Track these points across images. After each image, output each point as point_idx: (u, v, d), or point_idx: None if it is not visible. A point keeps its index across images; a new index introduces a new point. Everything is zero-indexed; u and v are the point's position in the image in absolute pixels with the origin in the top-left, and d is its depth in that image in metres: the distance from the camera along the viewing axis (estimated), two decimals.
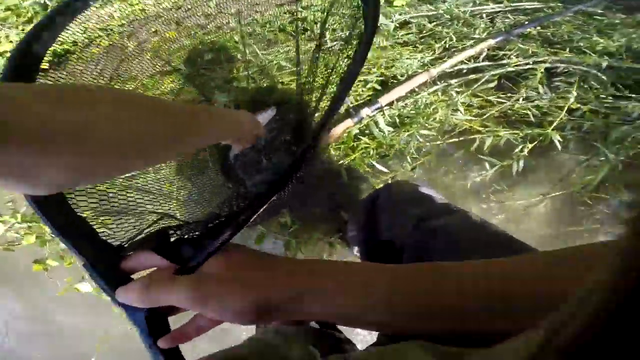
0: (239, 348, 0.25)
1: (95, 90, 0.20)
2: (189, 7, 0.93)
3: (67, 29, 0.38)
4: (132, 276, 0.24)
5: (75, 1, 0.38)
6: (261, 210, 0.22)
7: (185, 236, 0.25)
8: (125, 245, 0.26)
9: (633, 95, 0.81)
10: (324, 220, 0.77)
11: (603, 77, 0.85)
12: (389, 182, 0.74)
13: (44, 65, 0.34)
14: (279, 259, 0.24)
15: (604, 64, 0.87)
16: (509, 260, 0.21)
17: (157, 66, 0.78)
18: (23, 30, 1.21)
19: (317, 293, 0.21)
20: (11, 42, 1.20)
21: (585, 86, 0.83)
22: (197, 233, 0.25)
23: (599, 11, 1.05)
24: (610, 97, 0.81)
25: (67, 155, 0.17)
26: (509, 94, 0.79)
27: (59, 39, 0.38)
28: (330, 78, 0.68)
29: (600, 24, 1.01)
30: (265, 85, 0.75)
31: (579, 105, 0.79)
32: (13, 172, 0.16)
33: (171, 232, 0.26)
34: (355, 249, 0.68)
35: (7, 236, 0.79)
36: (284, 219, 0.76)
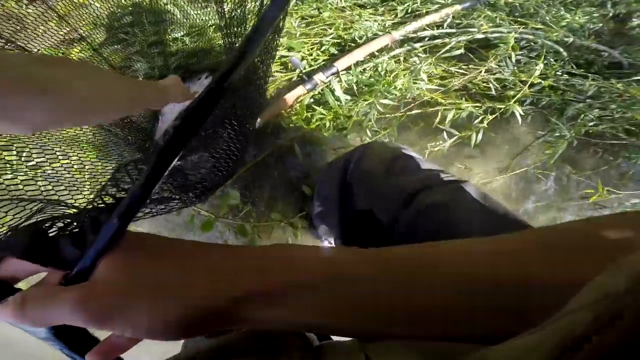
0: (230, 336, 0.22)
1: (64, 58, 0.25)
2: None
3: None
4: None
5: None
6: (159, 184, 0.16)
7: (67, 230, 0.18)
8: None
9: (589, 74, 0.81)
10: (281, 199, 0.71)
11: (564, 53, 0.84)
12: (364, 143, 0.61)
13: None
14: (205, 247, 0.17)
15: (568, 40, 0.87)
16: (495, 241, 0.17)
17: (62, 34, 0.64)
18: None
19: (268, 293, 0.16)
20: None
21: (545, 62, 0.82)
22: (80, 225, 0.18)
23: None
24: (567, 75, 0.81)
25: (47, 102, 0.20)
26: (470, 66, 0.75)
27: None
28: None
29: (565, 0, 1.00)
30: (198, 49, 0.65)
31: (539, 80, 0.77)
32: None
33: (47, 225, 0.18)
34: (322, 228, 0.58)
35: None
36: (234, 202, 0.68)
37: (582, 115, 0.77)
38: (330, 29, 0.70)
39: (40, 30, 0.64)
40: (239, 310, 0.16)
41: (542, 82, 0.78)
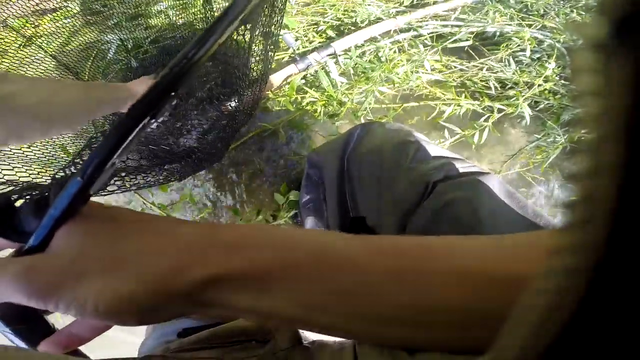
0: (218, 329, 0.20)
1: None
2: None
3: None
4: None
5: None
6: (118, 152, 0.14)
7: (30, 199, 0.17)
8: None
9: None
10: (260, 189, 0.67)
11: (567, 56, 0.82)
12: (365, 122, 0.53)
13: None
14: (176, 222, 0.16)
15: (574, 45, 0.84)
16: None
17: (33, 3, 0.58)
18: None
19: (242, 275, 0.14)
20: None
21: (552, 64, 0.79)
22: (45, 193, 0.16)
23: None
24: (566, 79, 0.80)
25: None
26: (472, 63, 0.72)
27: None
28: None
29: (577, 2, 0.97)
30: (180, 22, 0.60)
31: (541, 82, 0.75)
32: None
33: (14, 197, 0.18)
34: (310, 220, 0.51)
35: None
36: (210, 186, 0.65)
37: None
38: (331, 10, 0.66)
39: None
40: (207, 293, 0.13)
41: (544, 84, 0.76)
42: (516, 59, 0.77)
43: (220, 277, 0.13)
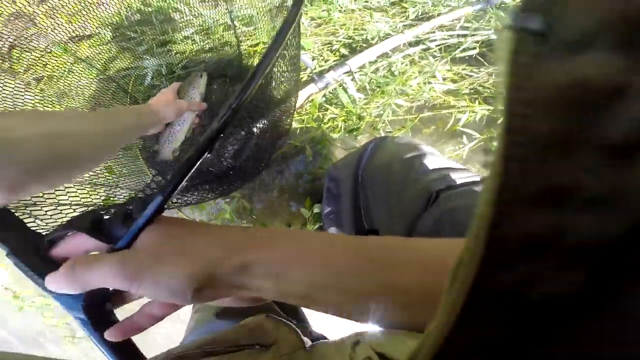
0: (227, 332, 0.25)
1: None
2: None
3: None
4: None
5: None
6: (186, 178, 0.20)
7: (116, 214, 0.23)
8: (55, 234, 0.23)
9: None
10: (288, 201, 0.68)
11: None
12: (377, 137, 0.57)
13: None
14: (223, 226, 0.21)
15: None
16: None
17: (72, 31, 0.64)
18: None
19: (265, 266, 0.18)
20: None
21: None
22: (129, 209, 0.22)
23: None
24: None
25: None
26: (481, 69, 0.73)
27: None
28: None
29: None
30: (207, 47, 0.64)
31: None
32: None
33: (102, 212, 0.24)
34: (332, 231, 0.55)
35: None
36: (244, 202, 0.66)
37: None
38: (342, 29, 0.69)
39: (50, 27, 0.63)
40: (242, 276, 0.18)
41: None
42: None
43: (251, 263, 0.18)
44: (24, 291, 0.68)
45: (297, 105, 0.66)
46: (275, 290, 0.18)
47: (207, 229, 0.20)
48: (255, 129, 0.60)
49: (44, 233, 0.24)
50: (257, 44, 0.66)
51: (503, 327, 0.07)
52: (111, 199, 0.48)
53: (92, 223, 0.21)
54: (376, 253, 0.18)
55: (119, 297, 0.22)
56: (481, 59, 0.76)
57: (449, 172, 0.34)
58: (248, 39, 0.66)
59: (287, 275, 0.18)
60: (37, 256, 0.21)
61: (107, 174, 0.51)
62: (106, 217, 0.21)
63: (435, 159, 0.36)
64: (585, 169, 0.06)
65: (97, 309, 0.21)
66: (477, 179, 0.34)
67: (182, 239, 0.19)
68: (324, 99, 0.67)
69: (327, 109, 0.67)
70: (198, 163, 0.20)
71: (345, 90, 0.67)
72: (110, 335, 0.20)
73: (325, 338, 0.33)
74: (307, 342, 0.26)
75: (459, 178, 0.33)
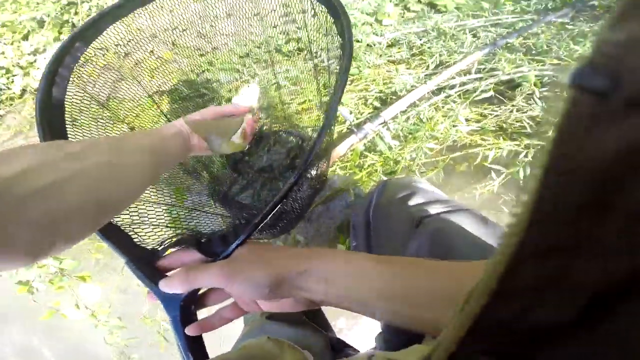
0: (229, 354, 0.29)
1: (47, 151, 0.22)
2: (184, 28, 0.91)
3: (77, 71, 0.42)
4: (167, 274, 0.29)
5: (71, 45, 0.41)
6: (267, 219, 0.27)
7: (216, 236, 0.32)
8: (159, 249, 0.33)
9: None
10: (333, 233, 0.74)
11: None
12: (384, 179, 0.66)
13: None
14: (290, 247, 0.29)
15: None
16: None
17: (154, 86, 0.75)
18: (19, 47, 1.17)
19: (318, 273, 0.25)
20: (6, 58, 1.15)
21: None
22: (225, 235, 0.31)
23: (568, 21, 1.12)
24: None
25: (38, 214, 0.18)
26: (502, 107, 0.80)
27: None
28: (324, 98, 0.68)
29: (572, 32, 1.07)
30: (265, 105, 0.73)
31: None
32: None
33: (201, 236, 0.34)
34: None
35: None
36: (296, 236, 0.72)
37: None
38: (372, 84, 0.78)
39: (136, 80, 0.73)
40: (300, 281, 0.25)
41: None
42: (540, 96, 0.85)
43: (308, 271, 0.25)
44: (101, 311, 0.73)
45: (341, 154, 0.73)
46: (324, 292, 0.24)
47: (280, 247, 0.29)
48: (307, 180, 0.67)
49: (150, 248, 0.32)
50: (303, 102, 0.75)
51: (502, 343, 0.08)
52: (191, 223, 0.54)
53: (197, 242, 0.30)
54: (398, 265, 0.24)
55: (202, 301, 0.30)
56: (501, 97, 0.83)
57: (433, 202, 0.41)
58: (296, 98, 0.75)
59: (334, 280, 0.24)
60: (149, 266, 0.29)
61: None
62: (204, 239, 0.30)
63: (425, 193, 0.43)
64: (615, 233, 0.06)
65: (187, 309, 0.28)
66: (457, 207, 0.40)
67: (263, 253, 0.27)
68: (363, 147, 0.75)
69: (366, 156, 0.74)
70: (277, 207, 0.28)
71: (381, 138, 0.74)
72: (190, 330, 0.27)
73: (348, 346, 0.39)
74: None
75: (441, 206, 0.40)
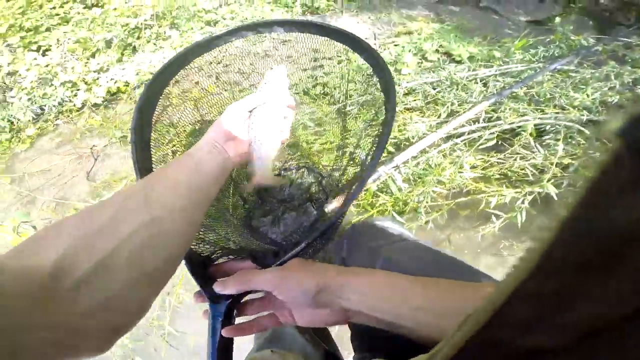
0: None
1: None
2: (228, 63, 1.00)
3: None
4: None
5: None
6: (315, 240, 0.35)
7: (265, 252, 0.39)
8: (213, 257, 0.38)
9: None
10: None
11: (586, 131, 0.94)
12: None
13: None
14: (331, 264, 0.33)
15: (584, 119, 0.97)
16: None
17: (197, 115, 0.82)
18: (86, 64, 1.28)
19: (358, 284, 0.29)
20: (74, 72, 1.25)
21: (573, 142, 0.91)
22: (277, 250, 0.38)
23: (573, 68, 1.19)
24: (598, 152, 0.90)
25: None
26: (506, 155, 0.87)
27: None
28: (349, 140, 0.75)
29: (574, 80, 1.13)
30: (290, 144, 0.82)
31: (570, 161, 0.88)
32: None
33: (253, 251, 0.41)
34: None
35: None
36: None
37: None
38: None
39: (182, 107, 0.81)
40: (339, 291, 0.29)
41: (573, 162, 0.86)
42: (543, 143, 0.91)
43: (346, 283, 0.29)
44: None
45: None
46: (361, 301, 0.28)
47: (323, 264, 0.32)
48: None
49: (204, 255, 0.36)
50: (325, 142, 0.83)
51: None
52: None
53: (251, 254, 0.35)
54: (425, 280, 0.28)
55: (242, 309, 0.34)
56: (506, 145, 0.90)
57: (390, 234, 0.49)
58: (319, 138, 0.83)
59: (372, 291, 0.28)
60: (202, 270, 0.34)
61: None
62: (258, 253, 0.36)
63: (386, 230, 0.51)
64: (619, 285, 0.06)
65: (229, 312, 0.32)
66: (410, 238, 0.48)
67: (311, 266, 0.31)
68: (376, 188, 0.83)
69: (379, 196, 0.82)
70: (323, 229, 0.35)
71: (393, 181, 0.82)
72: (227, 331, 0.31)
73: None
74: None
75: (397, 238, 0.48)
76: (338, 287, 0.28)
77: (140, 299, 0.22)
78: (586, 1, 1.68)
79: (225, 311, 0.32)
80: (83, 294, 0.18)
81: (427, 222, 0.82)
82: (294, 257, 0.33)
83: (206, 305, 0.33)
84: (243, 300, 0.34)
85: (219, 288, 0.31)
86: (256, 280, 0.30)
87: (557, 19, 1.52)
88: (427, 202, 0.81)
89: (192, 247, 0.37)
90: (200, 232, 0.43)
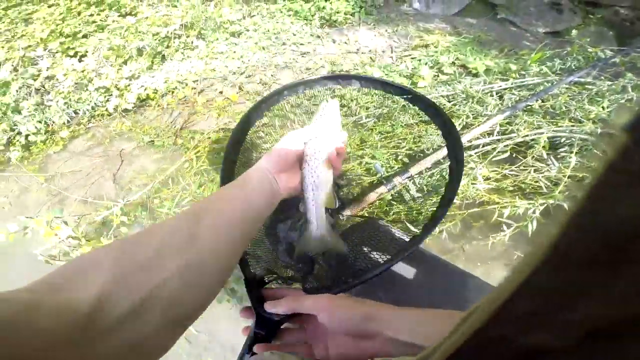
0: None
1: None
2: (250, 74, 1.06)
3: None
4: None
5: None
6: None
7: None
8: (266, 280, 0.39)
9: None
10: None
11: (602, 144, 0.94)
12: None
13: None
14: (367, 299, 0.34)
15: (599, 131, 0.97)
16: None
17: (219, 124, 0.88)
18: (119, 70, 1.36)
19: (383, 317, 0.30)
20: (107, 79, 1.34)
21: (588, 155, 0.91)
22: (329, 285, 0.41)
23: (590, 80, 1.19)
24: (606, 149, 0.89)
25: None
26: (521, 167, 0.89)
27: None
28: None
29: (590, 92, 1.13)
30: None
31: (585, 173, 0.88)
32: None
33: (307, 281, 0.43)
34: None
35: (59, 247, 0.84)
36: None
37: None
38: (403, 142, 0.90)
39: (206, 115, 0.87)
40: (376, 319, 0.30)
41: (588, 175, 0.89)
42: (558, 156, 0.92)
43: (375, 315, 0.30)
44: None
45: (371, 201, 0.85)
46: (409, 330, 0.28)
47: (361, 299, 0.34)
48: None
49: (258, 276, 0.38)
50: None
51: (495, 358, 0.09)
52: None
53: (303, 282, 0.38)
54: (443, 312, 0.29)
55: (280, 334, 0.34)
56: (520, 157, 0.92)
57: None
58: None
59: (418, 321, 0.28)
60: (255, 289, 0.36)
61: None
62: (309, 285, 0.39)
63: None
64: (626, 283, 0.06)
65: (272, 332, 0.34)
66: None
67: (359, 299, 0.33)
68: (390, 197, 0.86)
69: (393, 205, 0.85)
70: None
71: (407, 190, 0.85)
72: (257, 347, 0.32)
73: None
74: None
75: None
76: (387, 316, 0.29)
77: (172, 338, 0.22)
78: (605, 12, 1.67)
79: (266, 332, 0.33)
80: (117, 337, 0.18)
81: (440, 232, 0.85)
82: (343, 291, 0.35)
83: (248, 322, 0.35)
84: (283, 326, 0.35)
85: (270, 308, 0.32)
86: (307, 303, 0.31)
87: (574, 31, 1.52)
88: None
89: (251, 268, 0.39)
90: (258, 256, 0.45)
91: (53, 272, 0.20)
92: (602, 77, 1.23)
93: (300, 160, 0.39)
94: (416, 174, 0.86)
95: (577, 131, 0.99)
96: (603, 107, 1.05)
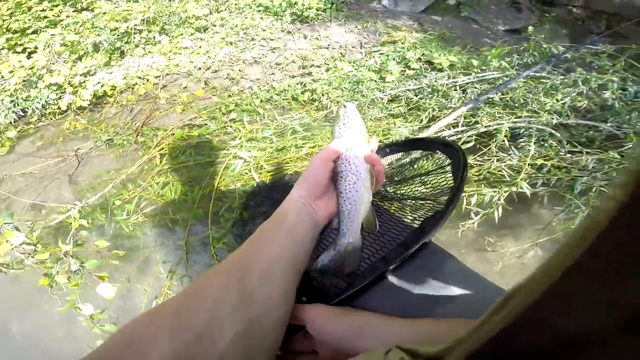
0: None
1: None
2: (217, 69, 1.02)
3: None
4: None
5: None
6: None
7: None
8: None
9: (587, 150, 0.93)
10: None
11: (557, 134, 0.99)
12: None
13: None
14: (359, 310, 0.33)
15: (554, 122, 1.01)
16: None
17: (184, 120, 0.84)
18: (72, 67, 1.26)
19: (373, 332, 0.29)
20: (60, 75, 1.23)
21: (546, 145, 0.97)
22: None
23: (545, 74, 1.27)
24: (569, 154, 0.93)
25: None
26: (485, 157, 0.93)
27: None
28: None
29: (545, 86, 1.20)
30: (281, 146, 0.84)
31: (543, 162, 0.93)
32: None
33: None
34: None
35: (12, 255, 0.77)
36: None
37: (594, 188, 0.84)
38: (373, 136, 0.90)
39: (168, 113, 0.83)
40: (365, 335, 0.29)
41: (546, 163, 0.91)
42: (518, 146, 0.96)
43: (363, 327, 0.29)
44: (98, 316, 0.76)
45: None
46: (378, 334, 0.28)
47: (359, 311, 0.33)
48: None
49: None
50: (314, 146, 0.86)
51: (530, 344, 0.09)
52: None
53: (303, 289, 0.33)
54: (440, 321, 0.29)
55: (290, 342, 0.32)
56: (483, 148, 0.96)
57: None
58: (307, 142, 0.86)
59: (380, 337, 0.28)
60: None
61: None
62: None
63: None
64: None
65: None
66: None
67: (339, 309, 0.31)
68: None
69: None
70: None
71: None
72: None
73: None
74: None
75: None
76: (378, 328, 0.28)
77: None
78: (560, 10, 1.79)
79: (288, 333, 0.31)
80: None
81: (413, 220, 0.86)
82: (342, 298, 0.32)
83: None
84: (296, 335, 0.33)
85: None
86: (298, 315, 0.29)
87: (531, 28, 1.62)
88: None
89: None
90: None
91: (106, 344, 0.20)
92: (556, 72, 1.31)
93: (334, 181, 0.35)
94: (386, 166, 0.87)
95: (535, 122, 1.05)
96: (557, 100, 1.12)
